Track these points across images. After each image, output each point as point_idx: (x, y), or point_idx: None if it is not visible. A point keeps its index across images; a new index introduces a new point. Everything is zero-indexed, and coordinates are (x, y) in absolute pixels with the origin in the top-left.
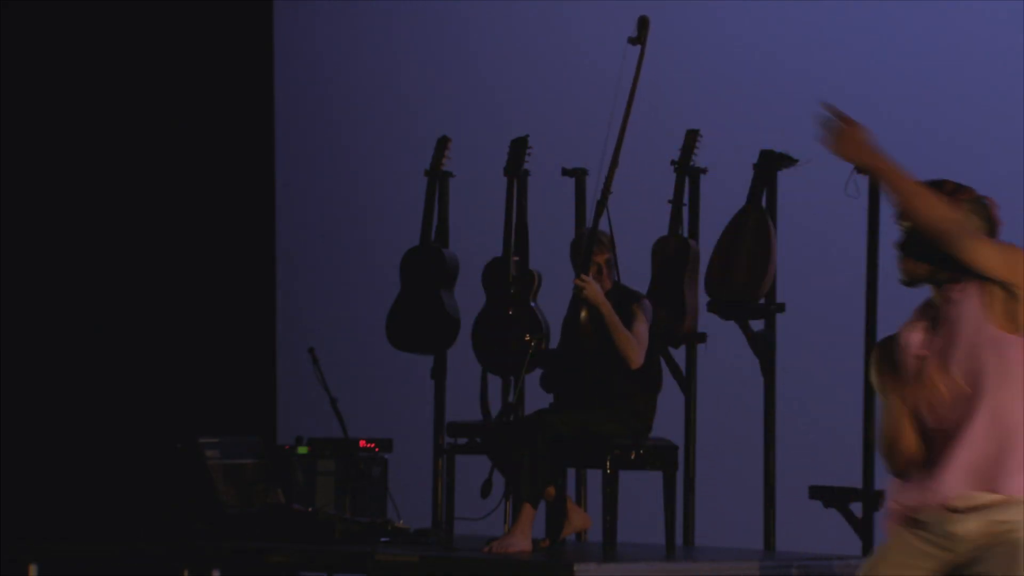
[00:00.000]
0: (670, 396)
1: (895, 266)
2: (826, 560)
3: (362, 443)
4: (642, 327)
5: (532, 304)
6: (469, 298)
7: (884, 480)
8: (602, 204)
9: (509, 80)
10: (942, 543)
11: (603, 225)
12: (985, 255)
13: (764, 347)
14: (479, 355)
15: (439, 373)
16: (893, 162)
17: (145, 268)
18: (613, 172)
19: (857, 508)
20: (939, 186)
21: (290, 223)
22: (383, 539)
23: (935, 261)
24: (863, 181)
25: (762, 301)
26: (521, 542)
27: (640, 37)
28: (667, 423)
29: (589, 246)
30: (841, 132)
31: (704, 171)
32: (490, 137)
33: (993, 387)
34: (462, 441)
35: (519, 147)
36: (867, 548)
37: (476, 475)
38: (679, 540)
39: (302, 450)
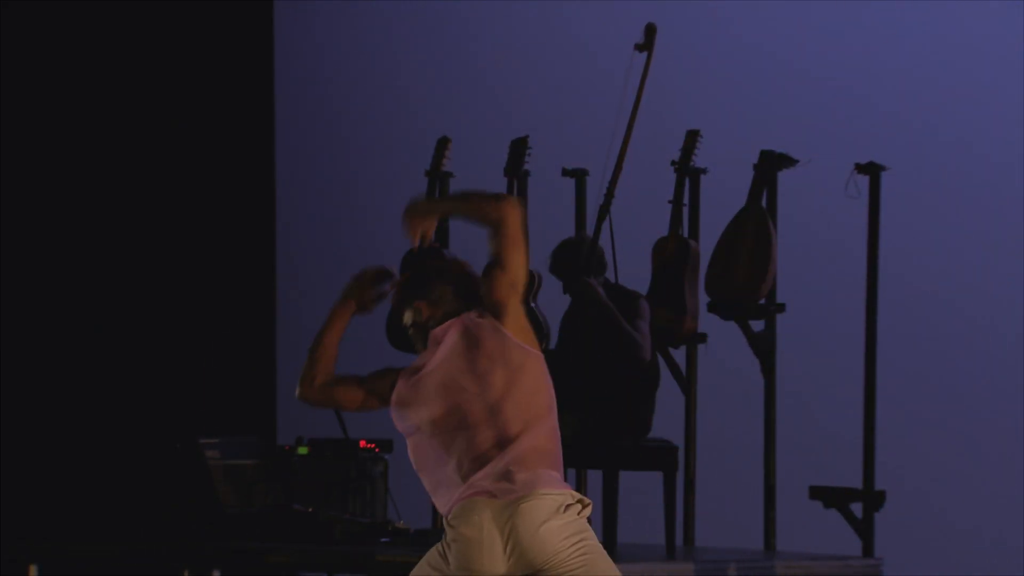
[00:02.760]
0: (670, 396)
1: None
2: (823, 560)
3: (362, 443)
4: (644, 325)
5: (532, 304)
6: None
7: (884, 480)
8: (605, 208)
9: (509, 80)
10: None
11: (604, 229)
12: None
13: (764, 347)
14: None
15: None
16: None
17: (145, 268)
18: (617, 177)
19: (857, 508)
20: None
21: (290, 223)
22: (383, 539)
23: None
24: (863, 181)
25: (762, 301)
26: None
27: (647, 44)
28: (667, 423)
29: (590, 251)
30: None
31: (704, 171)
32: (490, 137)
33: None
34: None
35: (519, 147)
36: (867, 548)
37: None
38: (679, 540)
39: (302, 450)
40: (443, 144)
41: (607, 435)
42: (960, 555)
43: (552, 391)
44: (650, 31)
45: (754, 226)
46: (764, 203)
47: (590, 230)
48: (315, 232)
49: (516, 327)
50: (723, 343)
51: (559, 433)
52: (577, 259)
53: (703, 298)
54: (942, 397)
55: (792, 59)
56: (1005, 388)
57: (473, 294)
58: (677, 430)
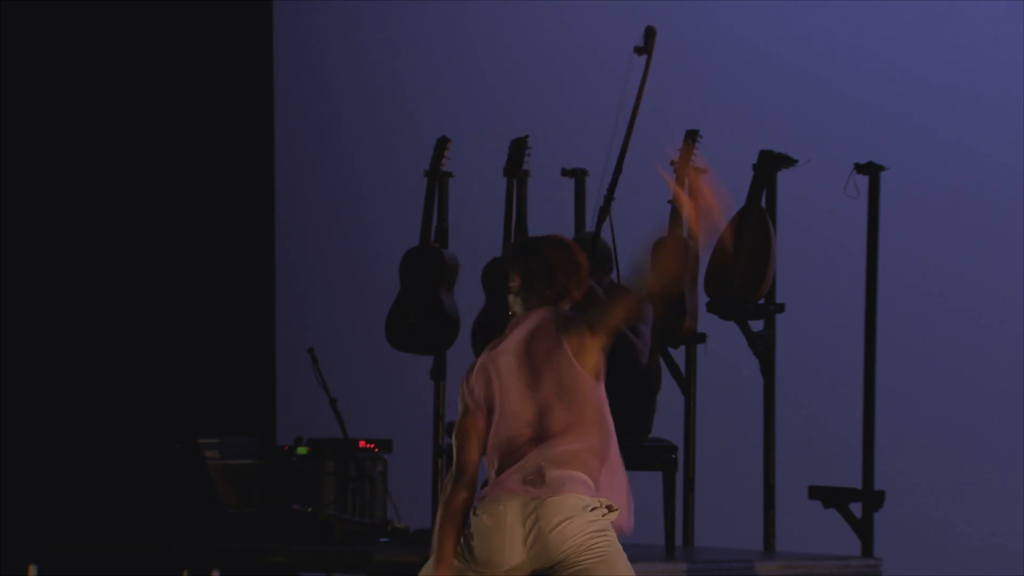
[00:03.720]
0: (670, 396)
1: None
2: (823, 560)
3: (362, 443)
4: (644, 329)
5: None
6: (469, 298)
7: (884, 480)
8: (605, 211)
9: (509, 80)
10: None
11: (605, 230)
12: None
13: (764, 347)
14: (478, 355)
15: (439, 373)
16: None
17: (145, 268)
18: (616, 180)
19: (857, 508)
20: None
21: (290, 223)
22: (383, 539)
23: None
24: (862, 181)
25: (761, 301)
26: None
27: (646, 47)
28: (667, 423)
29: (591, 249)
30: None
31: (704, 171)
32: (490, 137)
33: None
34: None
35: (519, 147)
36: (867, 548)
37: None
38: (679, 540)
39: (302, 450)
40: (443, 144)
41: None
42: (959, 555)
43: (605, 416)
44: (649, 34)
45: (753, 226)
46: (764, 203)
47: (590, 230)
48: (315, 232)
49: (584, 358)
50: (723, 343)
51: (608, 458)
52: None
53: (703, 298)
54: (942, 397)
55: (792, 59)
56: (1005, 388)
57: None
58: (677, 430)
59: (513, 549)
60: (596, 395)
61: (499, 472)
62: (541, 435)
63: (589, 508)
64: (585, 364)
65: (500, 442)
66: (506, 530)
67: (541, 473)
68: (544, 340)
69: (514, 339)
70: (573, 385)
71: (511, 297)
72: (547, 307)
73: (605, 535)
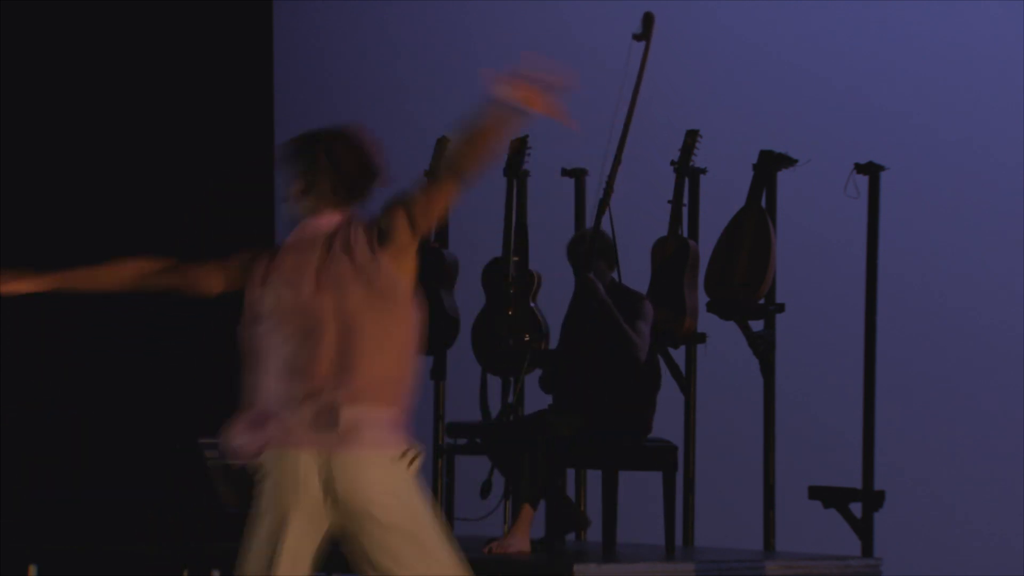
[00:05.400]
0: (670, 396)
1: None
2: (823, 560)
3: None
4: (644, 326)
5: (532, 304)
6: (469, 298)
7: (884, 480)
8: (604, 202)
9: None
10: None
11: (605, 222)
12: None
13: (764, 347)
14: (479, 355)
15: (439, 373)
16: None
17: None
18: (616, 169)
19: (857, 508)
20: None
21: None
22: None
23: None
24: (863, 181)
25: (761, 301)
26: (520, 542)
27: (645, 33)
28: (667, 423)
29: (591, 246)
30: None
31: (704, 171)
32: None
33: None
34: (462, 441)
35: (519, 147)
36: (867, 548)
37: (476, 475)
38: (679, 540)
39: None
40: (443, 144)
41: (607, 435)
42: (960, 555)
43: (416, 337)
44: (648, 20)
45: (753, 226)
46: (763, 203)
47: (589, 227)
48: None
49: (404, 262)
50: (723, 343)
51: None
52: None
53: (703, 298)
54: (942, 397)
55: (792, 59)
56: (1005, 388)
57: None
58: (677, 430)
59: (307, 505)
60: (413, 311)
61: (276, 398)
62: (338, 357)
63: (393, 459)
64: (405, 269)
65: (285, 361)
66: (300, 484)
67: (336, 413)
68: (346, 241)
69: (309, 240)
70: (390, 294)
71: (289, 204)
72: (342, 209)
73: (407, 491)
